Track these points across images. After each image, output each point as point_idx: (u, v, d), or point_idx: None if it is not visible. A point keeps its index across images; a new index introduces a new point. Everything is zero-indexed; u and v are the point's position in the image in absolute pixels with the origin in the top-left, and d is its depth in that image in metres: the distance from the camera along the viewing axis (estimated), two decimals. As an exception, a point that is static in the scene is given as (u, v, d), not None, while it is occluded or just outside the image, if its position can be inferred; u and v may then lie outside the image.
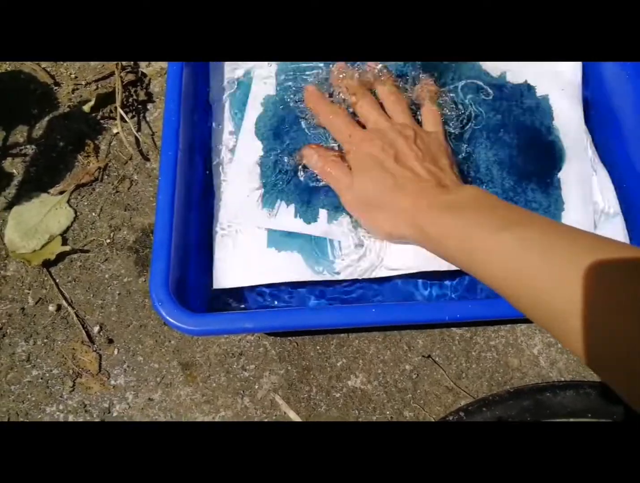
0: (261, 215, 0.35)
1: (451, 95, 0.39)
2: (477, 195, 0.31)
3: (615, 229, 0.37)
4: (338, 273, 0.34)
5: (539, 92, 0.40)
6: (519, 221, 0.27)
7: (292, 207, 0.35)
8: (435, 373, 0.38)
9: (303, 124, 0.38)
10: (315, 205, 0.35)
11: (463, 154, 0.37)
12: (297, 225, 0.35)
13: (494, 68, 0.40)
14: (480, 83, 0.39)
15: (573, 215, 0.36)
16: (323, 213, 0.35)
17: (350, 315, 0.30)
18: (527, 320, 0.39)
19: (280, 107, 0.38)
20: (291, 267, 0.34)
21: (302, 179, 0.36)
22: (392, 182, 0.32)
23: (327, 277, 0.34)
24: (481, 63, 0.40)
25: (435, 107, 0.37)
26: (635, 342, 0.20)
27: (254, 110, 0.38)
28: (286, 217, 0.35)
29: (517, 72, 0.40)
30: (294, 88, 0.39)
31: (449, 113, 0.38)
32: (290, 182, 0.36)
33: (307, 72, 0.39)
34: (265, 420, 0.36)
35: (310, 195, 0.35)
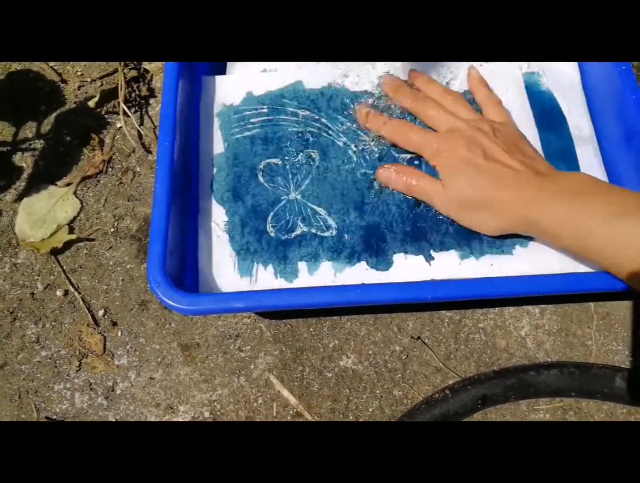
0: (243, 283, 0.34)
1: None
2: (585, 180, 0.31)
3: None
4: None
5: None
6: (636, 207, 0.28)
7: (270, 267, 0.35)
8: (424, 354, 0.39)
9: (260, 177, 0.37)
10: (293, 259, 0.35)
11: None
12: (280, 285, 0.34)
13: (443, 73, 0.40)
14: None
15: None
16: (302, 266, 0.35)
17: (338, 293, 0.32)
18: (515, 302, 0.40)
19: (234, 163, 0.37)
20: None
21: (272, 235, 0.35)
22: (488, 179, 0.32)
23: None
24: (431, 71, 0.40)
25: (492, 94, 0.37)
26: None
27: (206, 173, 0.37)
28: (267, 280, 0.34)
29: (463, 78, 0.39)
30: (242, 140, 0.37)
31: None
32: (261, 240, 0.35)
33: (252, 119, 0.38)
34: (260, 399, 0.38)
35: (285, 249, 0.35)
